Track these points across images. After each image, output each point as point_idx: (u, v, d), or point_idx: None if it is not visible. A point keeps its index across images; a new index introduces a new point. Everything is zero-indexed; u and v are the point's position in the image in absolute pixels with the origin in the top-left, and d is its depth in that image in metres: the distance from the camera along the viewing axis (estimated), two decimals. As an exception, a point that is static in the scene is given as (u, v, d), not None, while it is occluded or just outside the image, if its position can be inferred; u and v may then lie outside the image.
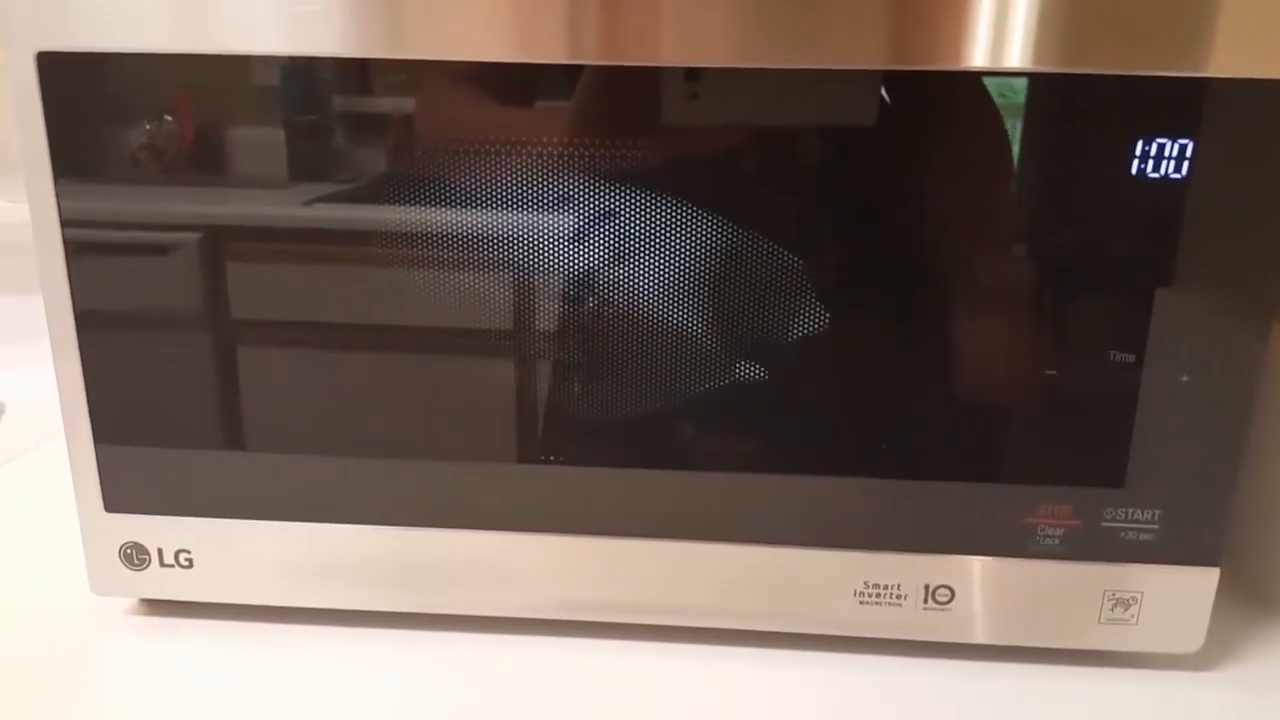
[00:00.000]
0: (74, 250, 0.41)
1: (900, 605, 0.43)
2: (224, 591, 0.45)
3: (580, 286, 0.41)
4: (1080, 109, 0.38)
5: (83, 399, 0.42)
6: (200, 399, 0.43)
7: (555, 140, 0.39)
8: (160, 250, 0.42)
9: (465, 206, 0.40)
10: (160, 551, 0.44)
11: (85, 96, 0.39)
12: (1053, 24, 0.36)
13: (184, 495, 0.44)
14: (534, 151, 0.39)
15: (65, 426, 0.43)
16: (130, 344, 0.42)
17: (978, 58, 0.37)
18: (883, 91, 0.38)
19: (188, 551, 0.44)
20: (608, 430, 0.43)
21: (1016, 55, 0.36)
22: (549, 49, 0.38)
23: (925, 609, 0.43)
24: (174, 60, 0.38)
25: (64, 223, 0.40)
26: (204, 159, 0.40)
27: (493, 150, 0.39)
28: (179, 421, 0.43)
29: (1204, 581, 0.42)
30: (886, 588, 0.43)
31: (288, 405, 0.43)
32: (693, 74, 0.38)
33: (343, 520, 0.44)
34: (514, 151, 0.39)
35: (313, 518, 0.44)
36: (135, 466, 0.43)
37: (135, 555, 0.44)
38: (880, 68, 0.37)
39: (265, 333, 0.43)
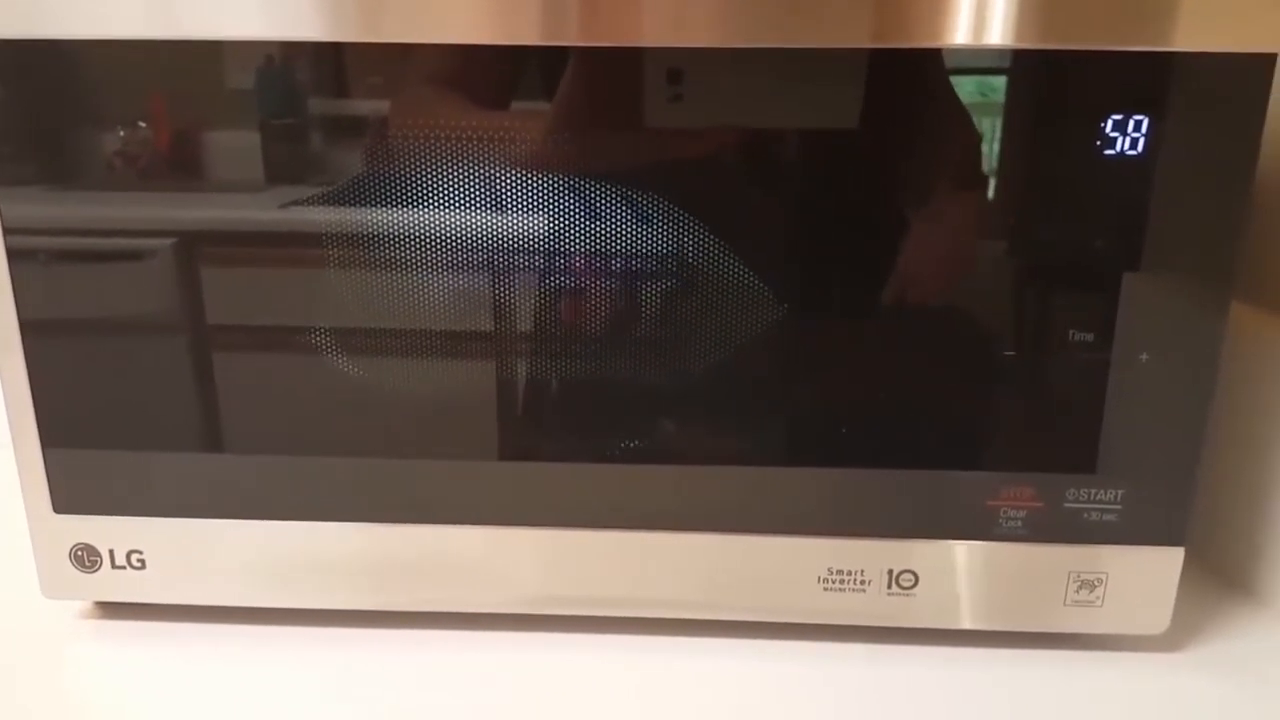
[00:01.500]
0: (16, 255, 0.40)
1: (864, 591, 0.43)
2: (179, 593, 0.44)
3: (556, 286, 0.40)
4: (1047, 88, 0.37)
5: (29, 401, 0.41)
6: (162, 400, 0.42)
7: (535, 142, 0.38)
8: (134, 256, 0.41)
9: (442, 208, 0.39)
10: (112, 553, 0.43)
11: (47, 96, 0.38)
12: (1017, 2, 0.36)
13: (136, 495, 0.43)
14: (513, 153, 0.38)
15: (11, 430, 0.42)
16: (82, 347, 0.41)
17: (959, 35, 0.36)
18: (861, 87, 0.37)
19: (140, 552, 0.43)
20: (578, 425, 0.43)
21: (997, 32, 0.36)
22: (527, 30, 0.37)
23: (889, 594, 0.43)
24: (145, 66, 0.37)
25: (6, 230, 0.39)
26: (178, 164, 0.40)
27: (470, 152, 0.38)
28: (139, 424, 0.42)
29: (1169, 561, 0.42)
30: (850, 574, 0.42)
31: (253, 406, 0.43)
32: (675, 75, 0.37)
33: (300, 518, 0.43)
34: (492, 154, 0.38)
35: (273, 515, 0.43)
36: (85, 467, 0.42)
37: (86, 557, 0.43)
38: (863, 45, 0.36)
39: (238, 336, 0.42)
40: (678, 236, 0.39)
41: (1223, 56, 0.36)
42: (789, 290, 0.40)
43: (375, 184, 0.39)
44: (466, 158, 0.38)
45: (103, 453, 0.42)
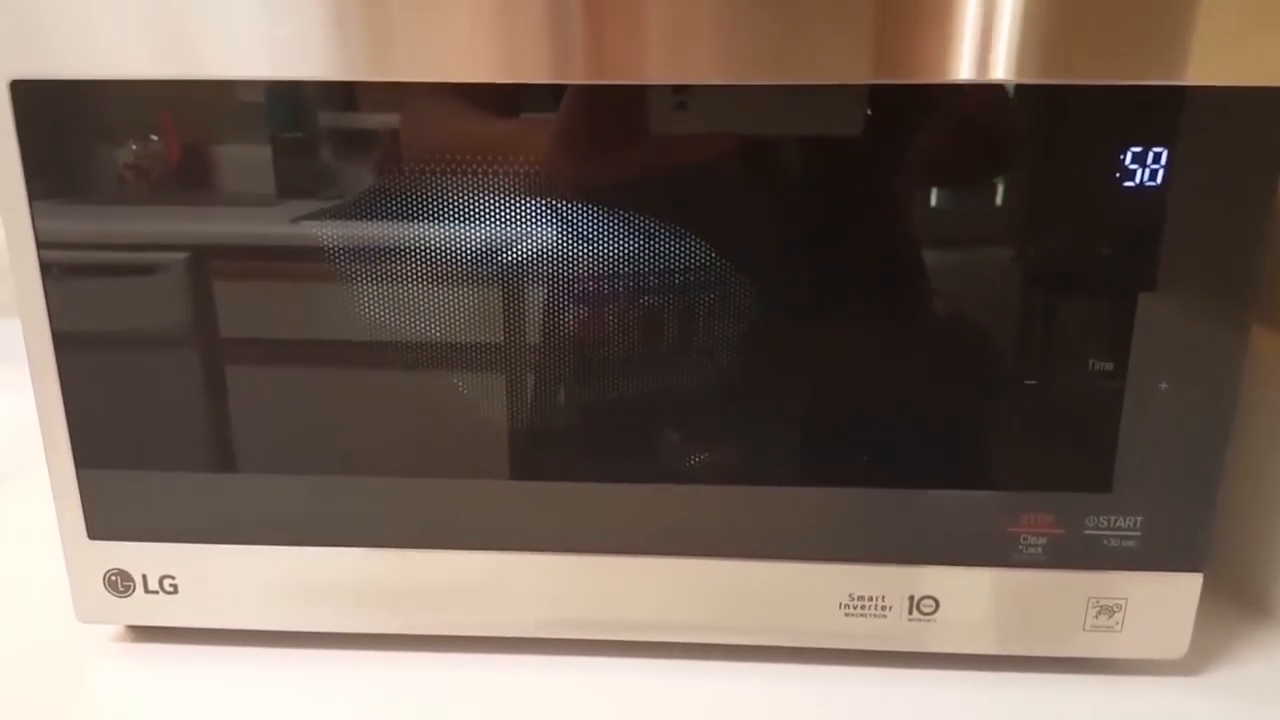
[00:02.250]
0: (51, 272, 0.41)
1: (885, 617, 0.43)
2: (210, 617, 0.45)
3: (568, 299, 0.40)
4: (1061, 118, 0.38)
5: (63, 424, 0.42)
6: (186, 420, 0.43)
7: (542, 153, 0.39)
8: (147, 270, 0.41)
9: (452, 221, 0.40)
10: (145, 578, 0.44)
11: (61, 121, 0.39)
12: (1034, 36, 0.36)
13: (168, 520, 0.43)
14: (521, 165, 0.39)
15: (46, 452, 0.43)
16: (112, 366, 0.42)
17: (963, 71, 0.37)
18: (868, 102, 0.38)
19: (172, 577, 0.44)
20: (593, 445, 0.43)
21: (1000, 68, 0.36)
22: (534, 69, 0.37)
23: (910, 620, 0.43)
24: (154, 84, 0.38)
25: (40, 244, 0.40)
26: (189, 178, 0.40)
27: (479, 165, 0.39)
28: (163, 444, 0.43)
29: (1188, 587, 0.42)
30: (872, 599, 0.43)
31: (275, 426, 0.43)
32: (680, 89, 0.38)
33: (329, 543, 0.44)
34: (501, 165, 0.39)
35: (299, 541, 0.44)
36: (118, 492, 0.43)
37: (120, 582, 0.44)
38: (866, 82, 0.37)
39: (252, 351, 0.42)
40: (692, 252, 0.40)
41: (1239, 90, 0.36)
42: (805, 310, 0.41)
43: (386, 197, 0.40)
44: (476, 169, 0.39)
45: (134, 474, 0.43)
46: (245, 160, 0.40)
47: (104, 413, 0.42)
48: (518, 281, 0.40)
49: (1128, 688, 0.43)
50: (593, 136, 0.39)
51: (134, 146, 0.40)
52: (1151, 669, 0.44)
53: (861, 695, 0.43)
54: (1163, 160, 0.37)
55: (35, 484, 0.45)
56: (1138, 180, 0.38)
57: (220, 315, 0.42)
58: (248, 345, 0.42)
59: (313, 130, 0.40)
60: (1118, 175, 0.38)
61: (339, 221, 0.40)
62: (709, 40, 0.37)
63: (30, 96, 0.38)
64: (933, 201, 0.40)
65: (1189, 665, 0.44)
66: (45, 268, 0.41)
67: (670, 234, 0.39)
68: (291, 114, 0.40)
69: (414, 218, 0.40)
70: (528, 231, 0.40)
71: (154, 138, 0.40)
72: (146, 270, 0.42)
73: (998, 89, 0.37)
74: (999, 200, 0.40)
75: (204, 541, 0.44)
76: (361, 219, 0.40)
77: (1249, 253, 0.38)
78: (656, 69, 0.37)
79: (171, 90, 0.39)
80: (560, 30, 0.37)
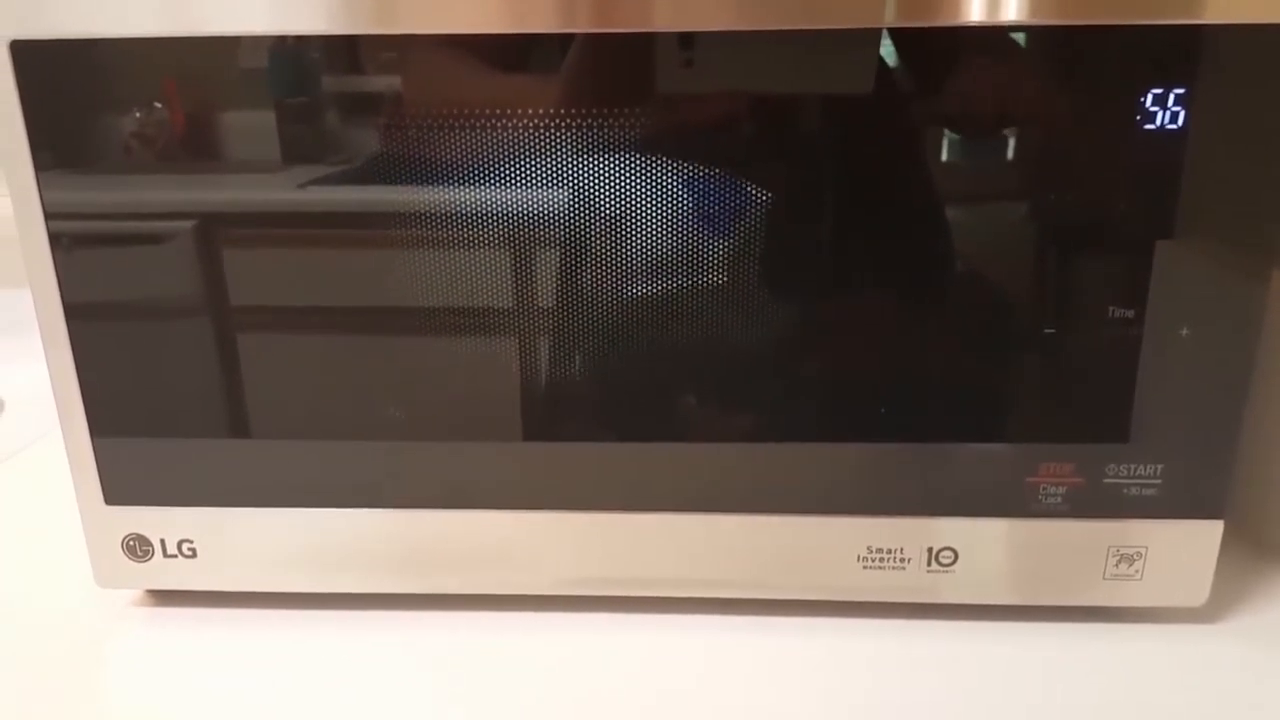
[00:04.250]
0: (60, 242, 0.40)
1: (904, 569, 0.43)
2: (229, 580, 0.45)
3: (578, 258, 0.40)
4: (1077, 60, 0.37)
5: (77, 392, 0.42)
6: (199, 387, 0.43)
7: (549, 111, 0.38)
8: (154, 239, 0.41)
9: (460, 183, 0.39)
10: (163, 542, 0.44)
11: (65, 86, 0.39)
12: None
13: (185, 485, 0.44)
14: (528, 124, 0.38)
15: (60, 420, 0.43)
16: (125, 335, 0.42)
17: (975, 12, 0.36)
18: (881, 53, 0.37)
19: (190, 541, 0.44)
20: (608, 404, 0.43)
21: (1014, 8, 0.36)
22: (541, 18, 0.37)
23: (929, 571, 0.43)
24: (158, 44, 0.38)
25: (48, 215, 0.40)
26: (195, 145, 0.40)
27: (486, 124, 0.38)
28: (178, 411, 0.43)
29: (1208, 534, 0.42)
30: (890, 552, 0.43)
31: (287, 390, 0.43)
32: (687, 41, 0.37)
33: (345, 505, 0.44)
34: (508, 124, 0.38)
35: (315, 503, 0.44)
36: (134, 458, 0.43)
37: (138, 547, 0.44)
38: (879, 25, 0.36)
39: (263, 318, 0.42)
40: (705, 210, 0.39)
41: (1259, 27, 0.35)
42: (821, 267, 0.40)
43: (393, 160, 0.39)
44: (484, 129, 0.38)
45: (150, 441, 0.43)
46: (250, 126, 0.40)
47: (117, 381, 0.42)
48: (528, 242, 0.40)
49: (1148, 635, 0.43)
50: (600, 91, 0.38)
51: (138, 114, 0.39)
52: (1172, 616, 0.44)
53: (882, 648, 0.43)
54: (1183, 101, 0.37)
55: (53, 451, 0.45)
56: (1158, 123, 0.37)
57: (230, 282, 0.41)
58: (257, 312, 0.42)
59: (317, 94, 0.39)
60: (1138, 118, 0.37)
61: (346, 186, 0.40)
62: None
63: (32, 58, 0.38)
64: (949, 154, 0.39)
65: (1209, 612, 0.44)
66: (54, 238, 0.40)
67: (682, 192, 0.39)
68: (295, 78, 0.39)
69: (421, 180, 0.39)
70: (538, 192, 0.39)
71: (158, 105, 0.39)
72: (155, 239, 0.41)
73: (1011, 34, 0.36)
74: (1016, 150, 0.39)
75: (221, 505, 0.44)
76: (369, 183, 0.40)
77: (1270, 195, 0.38)
78: (664, 16, 0.36)
79: (175, 55, 0.38)
80: None
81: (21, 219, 0.40)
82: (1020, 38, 0.37)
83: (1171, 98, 0.37)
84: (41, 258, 0.41)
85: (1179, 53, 0.36)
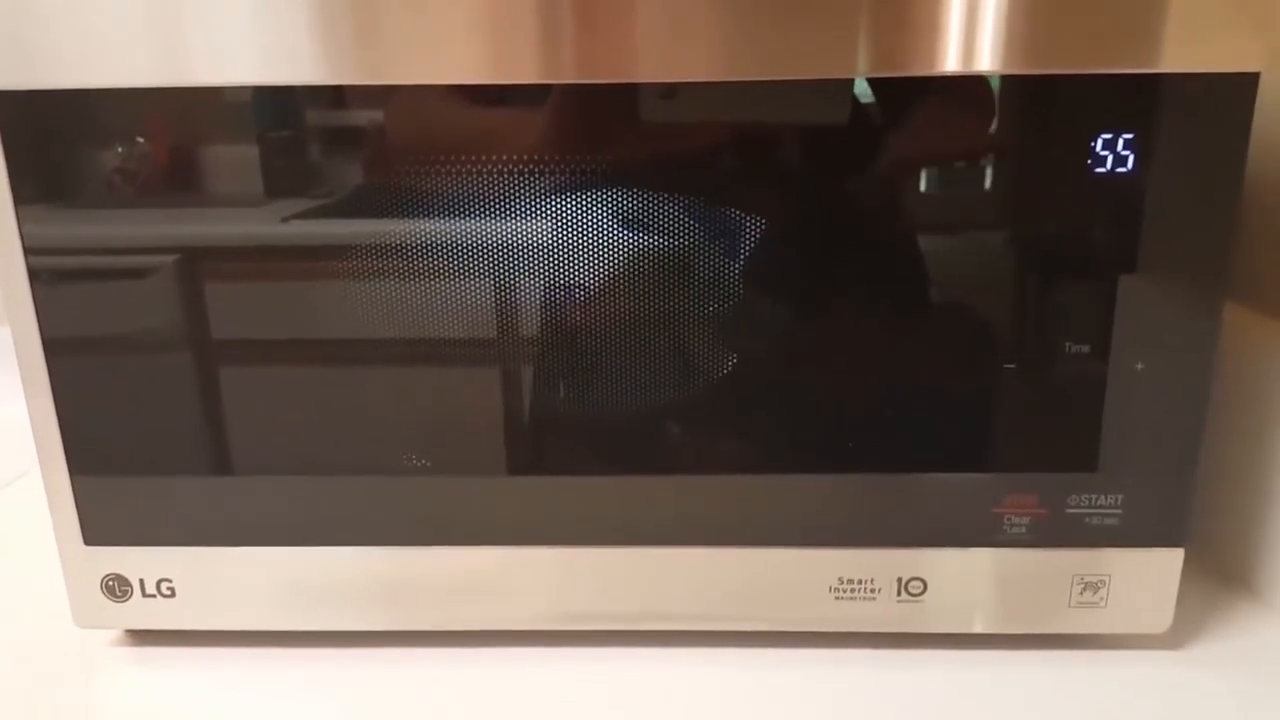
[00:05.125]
0: (40, 278, 0.41)
1: (874, 599, 0.44)
2: (209, 619, 0.45)
3: (561, 291, 0.41)
4: (1040, 106, 0.38)
5: (56, 431, 0.42)
6: (180, 424, 0.43)
7: (531, 145, 0.39)
8: (136, 274, 0.42)
9: (443, 216, 0.40)
10: (142, 582, 0.44)
11: (48, 130, 0.39)
12: (1018, 28, 0.37)
13: (165, 524, 0.44)
14: (510, 157, 0.39)
15: (40, 459, 0.43)
16: (105, 371, 0.42)
17: (949, 63, 0.37)
18: (852, 94, 0.38)
19: (170, 581, 0.44)
20: (588, 437, 0.43)
21: (986, 60, 0.37)
22: (524, 69, 0.38)
23: (899, 601, 0.44)
24: (141, 92, 0.38)
25: (28, 250, 0.40)
26: (178, 179, 0.40)
27: (468, 158, 0.39)
28: (159, 449, 0.43)
29: (1169, 562, 0.43)
30: (861, 583, 0.44)
31: (270, 428, 0.43)
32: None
33: (326, 543, 0.44)
34: (490, 158, 0.39)
35: (296, 541, 0.44)
36: (113, 497, 0.44)
37: (117, 587, 0.45)
38: (855, 76, 0.38)
39: (245, 353, 0.43)
40: (680, 240, 0.40)
41: (1209, 76, 0.37)
42: (792, 299, 0.41)
43: (375, 194, 0.40)
44: (466, 163, 0.39)
45: (129, 479, 0.43)
46: (233, 160, 0.40)
47: (97, 418, 0.43)
48: (511, 275, 0.41)
49: (1114, 662, 0.44)
50: (582, 127, 0.39)
51: (120, 149, 0.40)
52: (1137, 643, 0.45)
53: (854, 677, 0.44)
54: (1134, 146, 0.38)
55: (32, 490, 0.45)
56: (1109, 166, 0.39)
57: (211, 317, 0.42)
58: (240, 346, 0.42)
59: (300, 129, 0.40)
60: (1089, 161, 0.38)
61: (329, 219, 0.40)
62: (699, 38, 0.37)
63: (16, 107, 0.39)
64: (916, 190, 0.40)
65: (1173, 639, 0.45)
66: (34, 274, 0.41)
67: (660, 224, 0.40)
68: (278, 113, 0.40)
69: (404, 213, 0.40)
70: (520, 225, 0.40)
71: (140, 140, 0.40)
72: (137, 274, 0.42)
73: (979, 80, 0.38)
74: (982, 187, 0.40)
75: (201, 544, 0.44)
76: (351, 216, 0.40)
77: (1220, 234, 0.39)
78: (647, 67, 0.38)
79: (156, 97, 0.39)
80: (550, 30, 0.37)
81: (1, 254, 0.41)
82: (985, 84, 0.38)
83: (1121, 142, 0.38)
84: (21, 293, 0.41)
85: (1135, 99, 0.38)
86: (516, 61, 0.38)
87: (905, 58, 0.37)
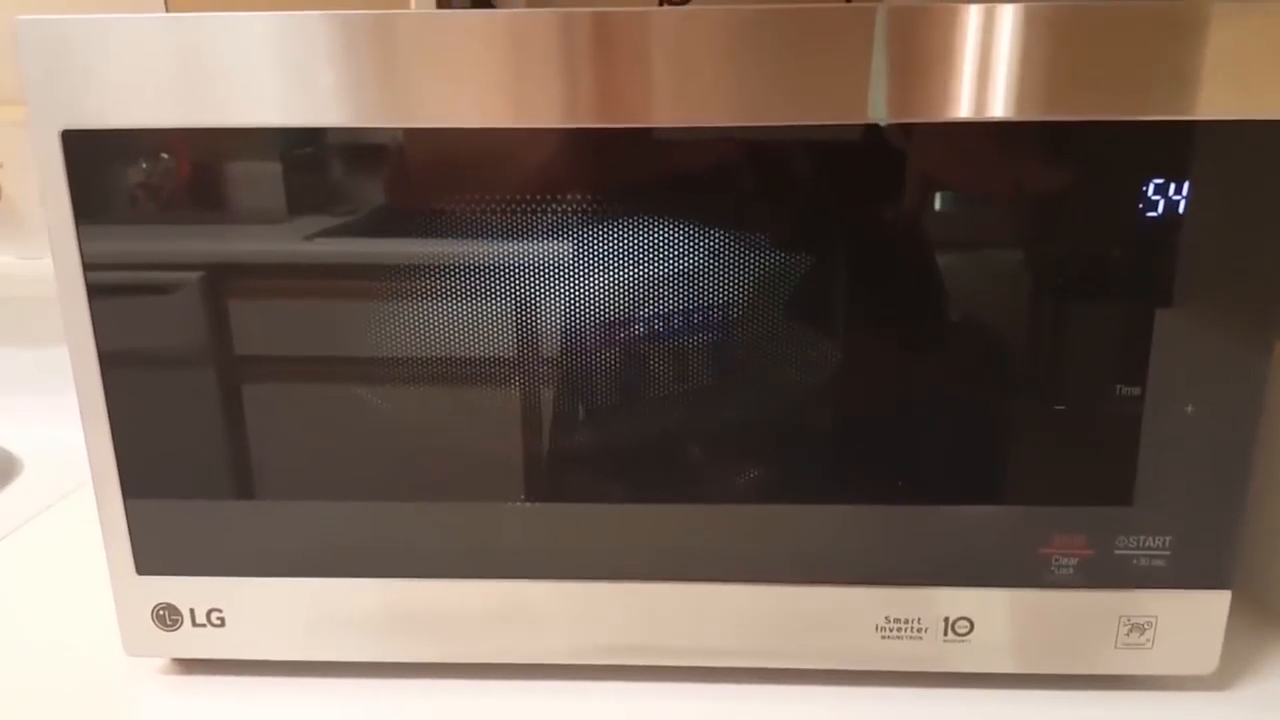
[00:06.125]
0: (97, 295, 0.41)
1: (921, 638, 0.44)
2: (258, 649, 0.45)
3: (585, 315, 0.41)
4: (1078, 152, 0.39)
5: (111, 453, 0.43)
6: (230, 449, 0.43)
7: (553, 164, 0.40)
8: (165, 290, 0.42)
9: (467, 238, 0.40)
10: (193, 612, 0.45)
11: (105, 164, 0.40)
12: (1035, 74, 0.37)
13: (216, 553, 0.44)
14: (535, 179, 0.40)
15: (95, 483, 0.43)
16: (159, 395, 0.43)
17: (963, 109, 0.38)
18: (883, 135, 0.39)
19: (220, 611, 0.45)
20: (618, 464, 0.44)
21: (1000, 106, 0.38)
22: (544, 114, 0.39)
23: (945, 641, 0.44)
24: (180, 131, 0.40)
25: (86, 267, 0.41)
26: (201, 196, 0.41)
27: (488, 175, 0.40)
28: (204, 471, 0.44)
29: (1216, 604, 0.43)
30: (907, 621, 0.44)
31: (321, 453, 0.44)
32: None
33: (371, 574, 0.45)
34: (513, 180, 0.40)
35: (344, 573, 0.45)
36: (165, 524, 0.44)
37: (168, 616, 0.45)
38: (869, 121, 0.38)
39: (277, 376, 0.43)
40: (713, 268, 0.40)
41: (1252, 123, 0.37)
42: (834, 330, 0.42)
43: (399, 213, 0.41)
44: (485, 181, 0.40)
45: (181, 504, 0.44)
46: (257, 177, 0.41)
47: (150, 441, 0.43)
48: (534, 298, 0.41)
49: (1159, 703, 0.44)
50: (603, 155, 0.39)
51: (144, 165, 0.41)
52: (1182, 684, 0.45)
53: (898, 715, 0.44)
54: (1183, 191, 0.38)
55: (71, 515, 0.45)
56: (1160, 211, 0.39)
57: (236, 335, 0.42)
58: (273, 368, 0.43)
59: (324, 147, 0.40)
60: (1141, 206, 0.39)
61: (353, 238, 0.41)
62: (716, 85, 0.38)
63: (80, 144, 0.40)
64: (961, 232, 0.41)
65: (1219, 680, 0.45)
66: (92, 289, 0.41)
67: (688, 250, 0.40)
68: (303, 131, 0.40)
69: (427, 234, 0.40)
70: (542, 247, 0.40)
71: (165, 155, 0.41)
72: (178, 287, 0.42)
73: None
74: (1024, 230, 0.40)
75: (250, 575, 0.44)
76: (374, 235, 0.41)
77: (1270, 277, 0.39)
78: (664, 112, 0.39)
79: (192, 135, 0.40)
80: (570, 77, 0.38)
81: (61, 275, 0.41)
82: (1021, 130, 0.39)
83: (1171, 187, 0.39)
84: (79, 311, 0.42)
85: (1177, 146, 0.38)
86: (537, 107, 0.39)
87: (917, 105, 0.38)
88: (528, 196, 0.40)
